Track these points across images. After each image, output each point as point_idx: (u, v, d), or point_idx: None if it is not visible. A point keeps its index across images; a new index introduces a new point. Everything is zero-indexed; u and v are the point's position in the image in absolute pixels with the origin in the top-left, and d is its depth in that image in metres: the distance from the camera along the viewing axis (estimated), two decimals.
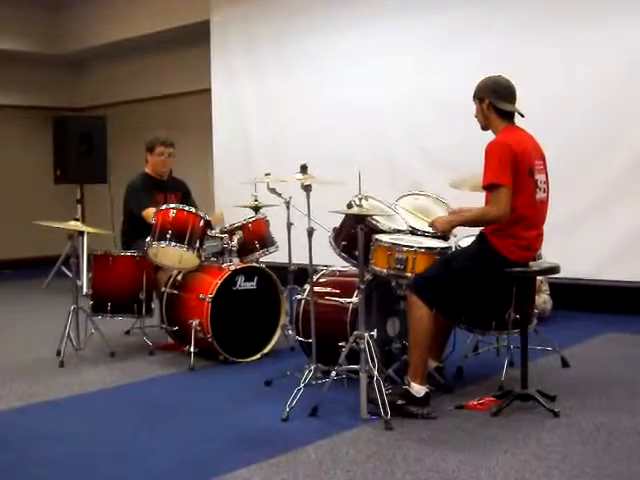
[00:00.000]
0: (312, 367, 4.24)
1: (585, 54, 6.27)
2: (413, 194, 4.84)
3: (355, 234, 4.02)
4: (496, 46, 6.60)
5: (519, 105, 4.09)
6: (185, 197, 6.01)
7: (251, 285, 5.28)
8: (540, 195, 4.01)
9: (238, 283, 5.23)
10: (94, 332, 5.41)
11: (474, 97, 4.14)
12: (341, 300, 4.58)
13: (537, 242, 4.07)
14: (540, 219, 4.06)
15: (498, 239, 3.94)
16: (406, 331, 4.17)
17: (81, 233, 5.79)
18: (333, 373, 4.06)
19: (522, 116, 4.10)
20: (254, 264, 5.43)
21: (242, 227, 5.49)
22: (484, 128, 4.15)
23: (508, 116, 4.08)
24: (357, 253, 4.05)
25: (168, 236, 5.15)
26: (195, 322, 5.07)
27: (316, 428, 3.80)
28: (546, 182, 4.07)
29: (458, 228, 4.51)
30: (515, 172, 3.88)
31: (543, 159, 4.10)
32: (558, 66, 6.38)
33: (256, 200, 5.82)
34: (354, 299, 4.44)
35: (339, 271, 4.89)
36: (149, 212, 5.46)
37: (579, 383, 4.48)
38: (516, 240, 3.93)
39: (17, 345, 5.95)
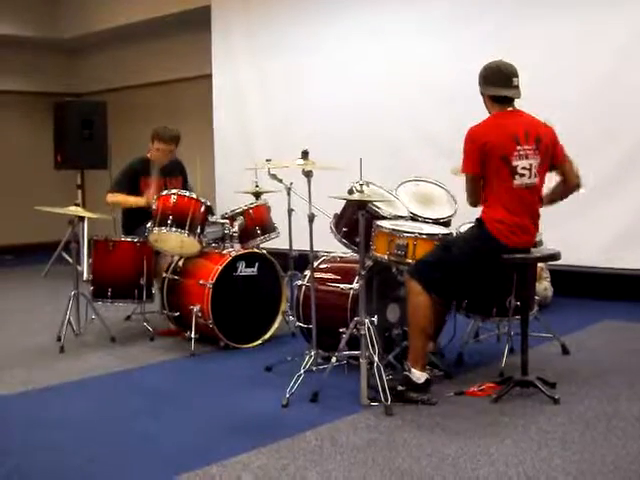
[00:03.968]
0: (312, 353, 4.25)
1: (591, 33, 6.20)
2: (414, 180, 4.83)
3: (356, 220, 4.01)
4: (500, 32, 6.55)
5: (522, 87, 3.95)
6: (184, 180, 6.02)
7: (252, 271, 5.28)
8: (521, 181, 3.88)
9: (239, 269, 5.22)
10: (94, 318, 5.42)
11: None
12: (342, 286, 4.58)
13: (529, 226, 3.96)
14: (522, 205, 3.91)
15: (491, 223, 3.91)
16: (406, 317, 4.17)
17: (81, 218, 5.79)
18: (333, 359, 4.07)
19: (516, 98, 3.96)
20: (255, 250, 5.42)
21: (243, 213, 5.49)
22: None
23: (502, 101, 3.96)
24: (358, 239, 4.04)
25: (169, 222, 5.15)
26: (196, 308, 5.08)
27: (316, 414, 3.81)
28: (537, 167, 3.90)
29: (458, 215, 4.62)
30: (483, 160, 3.86)
31: (537, 143, 3.91)
32: (564, 46, 6.32)
33: (257, 186, 5.82)
34: (355, 285, 4.43)
35: (340, 257, 4.89)
36: (112, 197, 5.73)
37: (579, 370, 4.48)
38: (505, 225, 3.89)
39: (18, 330, 5.95)
